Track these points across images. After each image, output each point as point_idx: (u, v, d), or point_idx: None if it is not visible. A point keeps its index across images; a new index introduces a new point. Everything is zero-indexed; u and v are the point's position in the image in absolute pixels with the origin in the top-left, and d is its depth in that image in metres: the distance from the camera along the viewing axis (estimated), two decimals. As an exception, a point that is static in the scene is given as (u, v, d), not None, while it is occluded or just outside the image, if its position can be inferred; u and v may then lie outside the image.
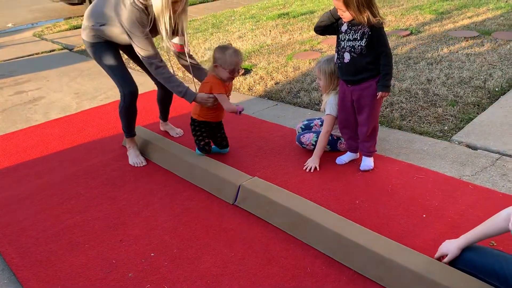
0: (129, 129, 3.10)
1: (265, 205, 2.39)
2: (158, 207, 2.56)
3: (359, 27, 2.43)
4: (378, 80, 2.52)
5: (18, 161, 3.24)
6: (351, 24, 2.47)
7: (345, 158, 2.86)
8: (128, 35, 2.65)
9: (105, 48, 2.85)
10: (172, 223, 2.41)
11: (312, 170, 2.78)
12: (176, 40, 2.87)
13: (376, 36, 2.42)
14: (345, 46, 2.52)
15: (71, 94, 4.69)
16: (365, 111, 2.62)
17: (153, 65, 2.70)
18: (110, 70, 2.91)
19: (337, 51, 2.60)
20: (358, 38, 2.45)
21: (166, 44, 2.69)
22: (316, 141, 2.90)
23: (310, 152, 2.97)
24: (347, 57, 2.53)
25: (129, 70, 3.01)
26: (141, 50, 2.67)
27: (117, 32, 2.72)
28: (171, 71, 2.79)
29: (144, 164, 3.06)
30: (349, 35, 2.49)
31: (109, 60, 2.87)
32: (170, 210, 2.53)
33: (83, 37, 2.89)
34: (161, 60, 2.73)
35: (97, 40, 2.84)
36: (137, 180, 2.88)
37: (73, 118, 4.01)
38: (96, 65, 5.61)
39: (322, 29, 2.61)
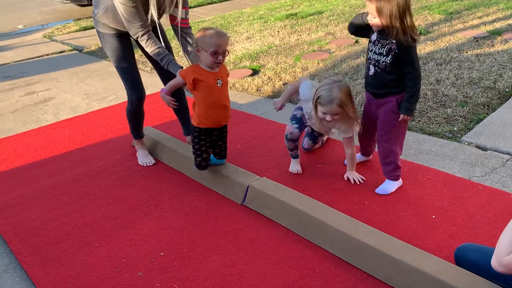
0: (137, 132, 3.11)
1: (273, 205, 2.40)
2: (167, 207, 2.58)
3: (387, 41, 2.25)
4: (401, 98, 2.35)
5: (29, 161, 3.28)
6: (379, 35, 2.29)
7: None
8: (116, 5, 2.50)
9: (117, 44, 2.75)
10: (181, 223, 2.42)
11: (358, 181, 2.64)
12: (174, 12, 2.69)
13: (403, 55, 2.23)
14: (371, 58, 2.36)
15: (81, 94, 4.73)
16: (383, 129, 2.46)
17: (137, 35, 2.58)
18: (120, 70, 2.84)
19: (366, 60, 2.45)
20: (384, 53, 2.28)
21: (153, 13, 2.54)
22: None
23: (316, 152, 2.97)
24: (371, 69, 2.39)
25: (140, 69, 2.93)
26: (128, 23, 2.53)
27: (114, 11, 2.57)
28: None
29: (153, 163, 3.08)
30: (376, 48, 2.32)
31: (121, 59, 2.80)
32: (179, 210, 2.54)
33: (96, 28, 2.80)
34: (147, 31, 2.59)
35: (109, 31, 2.72)
36: (147, 180, 2.90)
37: (83, 118, 4.04)
38: (106, 66, 5.71)
39: (354, 30, 2.44)
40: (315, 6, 8.00)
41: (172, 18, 2.73)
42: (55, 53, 6.58)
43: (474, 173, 2.63)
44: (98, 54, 6.29)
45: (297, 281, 1.96)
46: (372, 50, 2.36)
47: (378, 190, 2.54)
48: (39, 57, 6.42)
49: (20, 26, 8.84)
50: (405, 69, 2.27)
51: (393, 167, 2.50)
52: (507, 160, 2.72)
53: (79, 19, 9.12)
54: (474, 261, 1.78)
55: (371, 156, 2.86)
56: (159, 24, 2.87)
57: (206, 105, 2.51)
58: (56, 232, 2.42)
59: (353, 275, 1.97)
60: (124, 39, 2.75)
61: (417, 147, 2.97)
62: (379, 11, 2.15)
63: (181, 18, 2.68)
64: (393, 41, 2.22)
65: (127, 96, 2.96)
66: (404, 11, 2.14)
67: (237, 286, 1.96)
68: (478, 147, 2.92)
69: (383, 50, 2.28)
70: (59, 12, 10.25)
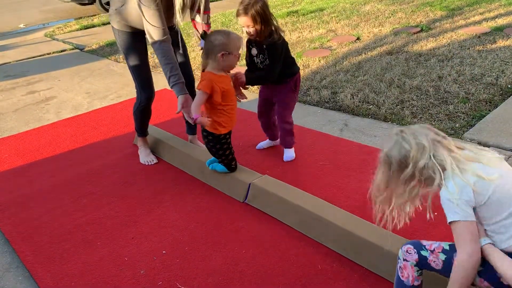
0: (142, 129, 3.10)
1: (275, 203, 2.40)
2: (169, 205, 2.58)
3: (263, 49, 2.64)
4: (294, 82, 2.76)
5: (31, 160, 3.28)
6: (257, 47, 2.67)
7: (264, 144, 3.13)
8: (139, 6, 2.42)
9: (131, 42, 2.71)
10: (183, 221, 2.42)
11: None
12: (198, 18, 2.68)
13: (271, 51, 2.61)
14: (261, 68, 2.73)
15: (82, 93, 4.73)
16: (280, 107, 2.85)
17: (157, 40, 2.47)
18: (132, 68, 2.80)
19: (252, 65, 2.80)
20: (266, 58, 2.66)
21: (177, 18, 2.50)
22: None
23: (317, 150, 2.97)
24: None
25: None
26: (149, 26, 2.44)
27: (135, 10, 2.50)
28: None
29: (154, 162, 3.08)
30: (259, 59, 2.69)
31: (134, 58, 2.76)
32: (181, 208, 2.54)
33: (111, 23, 2.76)
34: (169, 40, 2.52)
35: (124, 29, 2.69)
36: (149, 178, 2.90)
37: (84, 117, 4.05)
38: (107, 64, 5.70)
39: None
40: (316, 3, 7.98)
41: (194, 22, 2.75)
42: (56, 52, 6.58)
43: (476, 170, 2.62)
44: (99, 53, 6.29)
45: (299, 278, 1.96)
46: (258, 62, 2.70)
47: (286, 158, 2.93)
48: (40, 56, 6.43)
49: (21, 25, 8.85)
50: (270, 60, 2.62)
51: (292, 137, 2.92)
52: (510, 157, 2.71)
53: (80, 18, 9.12)
54: None
55: (278, 140, 3.05)
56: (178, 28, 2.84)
57: (231, 108, 2.48)
58: (58, 231, 2.43)
59: (355, 272, 1.97)
60: (138, 38, 2.70)
61: (419, 144, 2.96)
62: (254, 20, 2.48)
63: (204, 23, 2.72)
64: (264, 46, 2.58)
65: (136, 94, 2.93)
66: (269, 14, 2.52)
67: (239, 283, 1.96)
68: (480, 143, 2.91)
69: (266, 57, 2.63)
70: (60, 11, 10.26)
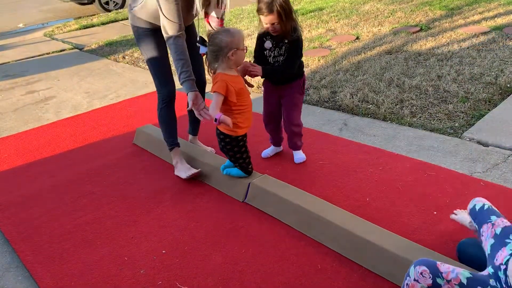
0: (171, 137, 2.84)
1: (275, 203, 2.40)
2: (169, 205, 2.58)
3: (281, 43, 2.59)
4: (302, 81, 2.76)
5: (30, 160, 3.28)
6: (273, 41, 2.60)
7: (269, 151, 3.02)
8: (157, 0, 2.39)
9: (150, 37, 2.65)
10: (183, 221, 2.43)
11: None
12: (213, 12, 2.64)
13: (293, 47, 2.60)
14: (271, 62, 2.66)
15: (81, 93, 4.73)
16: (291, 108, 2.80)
17: (172, 35, 2.43)
18: (151, 65, 2.72)
19: (261, 60, 2.71)
20: (282, 53, 2.61)
21: (198, 10, 2.48)
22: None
23: (317, 149, 2.97)
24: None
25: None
26: (166, 20, 2.40)
27: (154, 8, 2.46)
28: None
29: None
30: (273, 53, 2.63)
31: (152, 53, 2.68)
32: (181, 208, 2.54)
33: (129, 21, 2.73)
34: (183, 36, 2.47)
35: (143, 25, 2.64)
36: (148, 178, 2.90)
37: (84, 117, 4.05)
38: (106, 64, 5.70)
39: None
40: (316, 3, 7.97)
41: (206, 16, 2.70)
42: (56, 51, 6.58)
43: (475, 169, 2.63)
44: (98, 53, 6.29)
45: (299, 278, 1.96)
46: (270, 56, 2.63)
47: (297, 160, 2.89)
48: (39, 55, 6.43)
49: (21, 25, 8.84)
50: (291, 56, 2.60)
51: (301, 138, 2.90)
52: (509, 156, 2.72)
53: (80, 17, 9.11)
54: (475, 256, 1.78)
55: (281, 147, 3.03)
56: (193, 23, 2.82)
57: (247, 109, 2.45)
58: (58, 231, 2.43)
59: (355, 272, 1.97)
60: (158, 34, 2.62)
61: (418, 144, 2.97)
62: (280, 16, 2.43)
63: (219, 18, 2.67)
64: (285, 40, 2.54)
65: (157, 94, 2.79)
66: (291, 8, 2.47)
67: (239, 283, 1.96)
68: (479, 143, 2.91)
69: (281, 52, 2.59)
70: (59, 11, 10.26)
